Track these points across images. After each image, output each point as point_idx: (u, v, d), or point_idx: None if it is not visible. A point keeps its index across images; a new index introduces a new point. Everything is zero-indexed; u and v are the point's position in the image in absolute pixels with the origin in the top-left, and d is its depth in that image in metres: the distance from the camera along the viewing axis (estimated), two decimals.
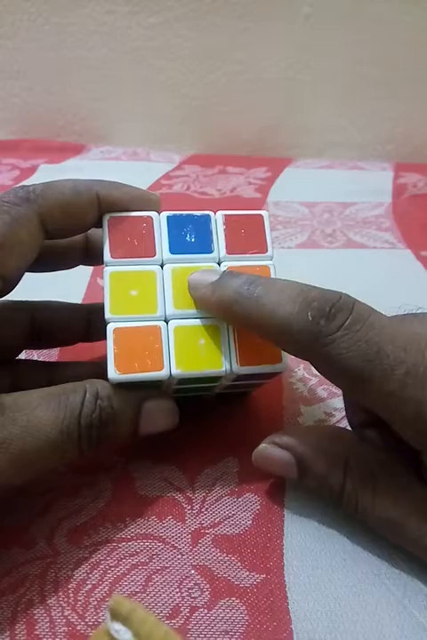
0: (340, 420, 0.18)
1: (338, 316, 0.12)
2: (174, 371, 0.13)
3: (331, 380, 0.13)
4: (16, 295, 0.15)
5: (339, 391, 0.19)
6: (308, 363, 0.20)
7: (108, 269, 0.14)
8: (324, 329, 0.11)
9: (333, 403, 0.18)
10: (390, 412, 0.12)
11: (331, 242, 0.30)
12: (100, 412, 0.13)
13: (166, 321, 0.14)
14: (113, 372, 0.13)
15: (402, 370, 0.11)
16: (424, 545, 0.12)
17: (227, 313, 0.13)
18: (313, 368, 0.19)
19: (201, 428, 0.17)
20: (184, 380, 0.14)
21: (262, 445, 0.14)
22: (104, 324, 0.14)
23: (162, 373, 0.13)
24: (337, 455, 0.13)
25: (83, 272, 0.21)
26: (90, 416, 0.13)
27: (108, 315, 0.14)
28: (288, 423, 0.17)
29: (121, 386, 0.13)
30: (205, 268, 0.15)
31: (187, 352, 0.14)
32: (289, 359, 0.14)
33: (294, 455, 0.14)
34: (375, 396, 0.11)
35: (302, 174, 0.43)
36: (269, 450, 0.14)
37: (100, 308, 0.14)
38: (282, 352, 0.14)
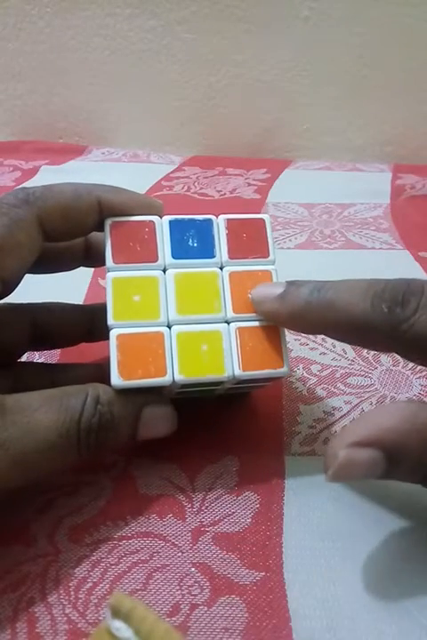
0: (339, 419, 0.18)
1: (412, 299, 0.12)
2: (177, 377, 0.14)
3: (422, 364, 0.13)
4: (17, 296, 0.15)
5: (338, 390, 0.19)
6: (307, 362, 0.20)
7: (110, 275, 0.14)
8: (401, 315, 0.12)
9: (332, 402, 0.18)
10: None
11: (330, 242, 0.30)
12: (99, 417, 0.13)
13: (169, 326, 0.14)
14: (116, 378, 0.13)
15: None
16: None
17: (299, 322, 0.14)
18: (312, 367, 0.20)
19: (201, 428, 0.17)
20: (187, 385, 0.14)
21: (344, 453, 0.11)
22: (107, 329, 0.14)
23: (165, 379, 0.13)
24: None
25: (84, 273, 0.21)
26: (89, 420, 0.13)
27: (110, 321, 0.14)
28: (288, 421, 0.17)
29: (123, 391, 0.13)
30: (208, 273, 0.15)
31: (190, 358, 0.14)
32: (291, 360, 0.15)
33: (382, 449, 0.11)
34: None
35: (302, 176, 0.43)
36: (353, 454, 0.11)
37: (101, 308, 0.14)
38: (284, 356, 0.14)
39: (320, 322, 0.13)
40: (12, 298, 0.15)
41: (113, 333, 0.14)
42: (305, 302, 0.13)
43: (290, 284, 0.14)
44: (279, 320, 0.14)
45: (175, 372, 0.14)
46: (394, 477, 0.12)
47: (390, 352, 0.13)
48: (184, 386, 0.14)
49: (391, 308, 0.12)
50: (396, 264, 0.28)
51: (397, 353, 0.13)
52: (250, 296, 0.15)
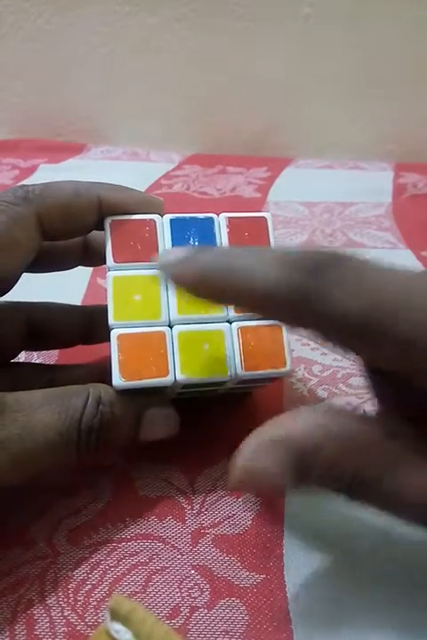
0: None
1: (329, 269, 0.10)
2: (179, 376, 0.13)
3: (336, 343, 0.11)
4: (15, 295, 0.15)
5: (339, 391, 0.19)
6: (308, 363, 0.20)
7: (110, 274, 0.14)
8: (313, 286, 0.10)
9: (333, 403, 0.18)
10: (406, 360, 0.10)
11: (331, 242, 0.30)
12: (101, 418, 0.13)
13: (170, 326, 0.14)
14: (118, 379, 0.13)
15: (411, 312, 0.09)
16: None
17: (201, 288, 0.11)
18: (313, 368, 0.20)
19: (201, 429, 0.17)
20: (189, 385, 0.14)
21: (242, 462, 0.11)
22: (107, 329, 0.14)
23: (167, 379, 0.13)
24: (348, 435, 0.10)
25: (83, 272, 0.21)
26: (91, 420, 0.13)
27: (111, 321, 0.14)
28: None
29: (125, 392, 0.13)
30: None
31: (191, 357, 0.14)
32: (292, 360, 0.14)
33: (292, 453, 0.10)
34: (389, 346, 0.10)
35: (302, 174, 0.43)
36: (255, 460, 0.11)
37: (99, 310, 0.14)
38: (286, 355, 0.14)
39: (222, 290, 0.11)
40: (10, 296, 0.15)
41: (114, 333, 0.14)
42: (205, 265, 0.11)
43: (195, 248, 0.12)
44: (183, 286, 0.12)
45: (177, 371, 0.13)
46: (305, 485, 0.11)
47: (301, 327, 0.11)
48: (186, 386, 0.14)
49: (302, 276, 0.10)
50: (397, 263, 0.28)
51: (308, 329, 0.11)
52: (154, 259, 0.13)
